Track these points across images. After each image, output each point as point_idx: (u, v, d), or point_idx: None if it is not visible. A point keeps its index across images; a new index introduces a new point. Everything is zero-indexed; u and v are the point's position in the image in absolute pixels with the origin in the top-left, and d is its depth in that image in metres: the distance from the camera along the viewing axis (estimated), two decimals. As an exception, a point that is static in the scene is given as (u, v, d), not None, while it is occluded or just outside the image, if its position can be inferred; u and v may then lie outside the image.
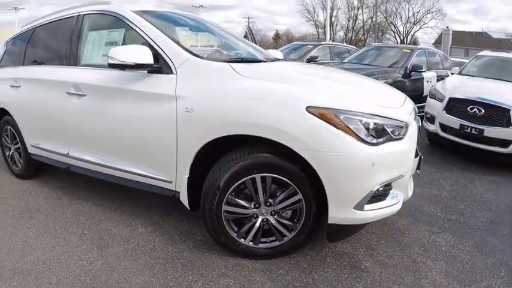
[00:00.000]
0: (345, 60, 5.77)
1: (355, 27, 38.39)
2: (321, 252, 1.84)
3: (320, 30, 38.33)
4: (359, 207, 1.52)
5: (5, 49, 3.26)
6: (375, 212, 1.58)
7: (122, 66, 1.76)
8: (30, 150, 2.78)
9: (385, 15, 34.82)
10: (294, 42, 9.03)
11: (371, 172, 1.46)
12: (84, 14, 2.36)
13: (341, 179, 1.45)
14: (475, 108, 3.28)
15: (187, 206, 1.80)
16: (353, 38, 37.93)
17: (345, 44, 9.35)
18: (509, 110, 3.13)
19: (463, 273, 1.70)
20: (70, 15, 2.48)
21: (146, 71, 1.80)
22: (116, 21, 2.12)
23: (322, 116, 1.41)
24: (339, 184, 1.45)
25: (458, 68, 4.86)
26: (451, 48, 19.28)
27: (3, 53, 3.25)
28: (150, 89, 1.80)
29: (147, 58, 1.74)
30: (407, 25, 36.55)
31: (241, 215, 1.68)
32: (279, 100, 1.49)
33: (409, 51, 5.14)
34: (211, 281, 1.63)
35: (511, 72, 4.10)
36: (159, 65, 1.78)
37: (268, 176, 1.57)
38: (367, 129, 1.45)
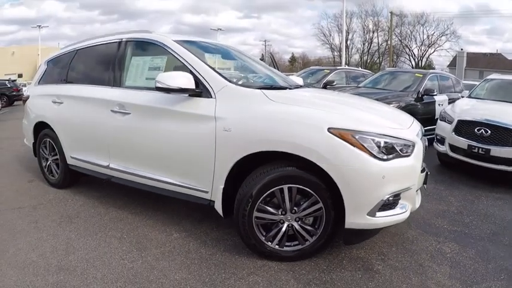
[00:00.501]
0: (360, 85, 6.20)
1: (370, 50, 39.50)
2: (337, 256, 2.15)
3: (336, 53, 39.98)
4: (372, 213, 1.84)
5: (45, 68, 3.71)
6: (385, 218, 1.90)
7: (168, 90, 2.13)
8: (69, 161, 3.16)
9: (400, 38, 35.78)
10: (311, 67, 9.55)
11: (382, 183, 1.80)
12: (127, 41, 2.78)
13: (356, 189, 1.78)
14: (482, 130, 3.60)
15: (221, 213, 2.14)
16: (368, 61, 38.96)
17: (360, 69, 9.87)
18: None
19: (465, 275, 1.98)
20: (113, 41, 2.91)
21: (188, 95, 2.19)
22: (158, 48, 2.53)
23: (341, 136, 1.78)
24: (355, 193, 1.79)
25: (468, 91, 5.21)
26: (465, 70, 19.71)
27: (43, 70, 3.70)
28: (192, 110, 2.17)
29: (190, 84, 2.13)
30: (422, 48, 37.50)
31: (269, 220, 2.01)
32: (304, 122, 1.86)
33: (421, 75, 5.55)
34: (241, 278, 1.93)
35: None
36: (200, 90, 2.17)
37: (294, 187, 1.91)
38: (379, 147, 1.80)
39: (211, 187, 2.14)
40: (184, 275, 1.97)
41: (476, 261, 2.13)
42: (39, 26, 31.97)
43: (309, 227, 2.01)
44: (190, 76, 2.15)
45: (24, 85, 20.17)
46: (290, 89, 2.44)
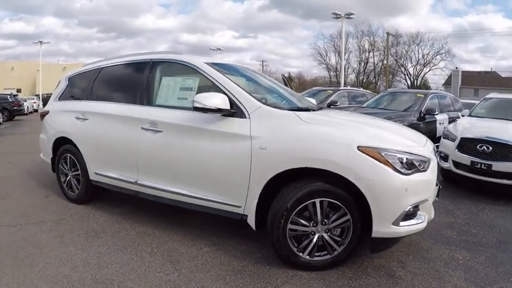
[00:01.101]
0: (363, 105, 6.66)
1: (366, 70, 41.25)
2: (361, 265, 2.42)
3: (332, 73, 42.11)
4: (396, 223, 2.14)
5: (66, 84, 3.92)
6: (407, 227, 2.20)
7: (205, 110, 2.40)
8: (92, 177, 3.35)
9: (395, 57, 37.44)
10: (314, 88, 10.09)
11: (405, 195, 2.11)
12: (156, 61, 3.03)
13: (383, 201, 2.09)
14: (484, 146, 4.02)
15: (254, 227, 2.39)
16: (364, 80, 40.50)
17: (361, 89, 10.41)
18: None
19: (478, 279, 2.28)
20: (140, 61, 3.17)
21: (221, 114, 2.46)
22: (187, 69, 2.82)
23: (369, 153, 2.09)
24: (382, 204, 2.09)
25: (468, 110, 5.70)
26: (460, 88, 20.81)
27: (64, 86, 3.92)
28: (227, 129, 2.44)
29: (225, 104, 2.41)
30: (418, 67, 39.40)
31: (301, 232, 2.28)
32: (337, 142, 2.17)
33: (423, 95, 6.07)
34: (277, 287, 2.17)
35: None
36: (234, 110, 2.45)
37: (325, 200, 2.20)
38: (401, 162, 2.13)
39: (244, 202, 2.40)
40: (222, 286, 2.18)
41: (486, 266, 2.44)
42: (41, 42, 32.53)
43: (337, 238, 2.29)
44: (225, 97, 2.44)
45: (25, 100, 20.31)
46: (314, 110, 2.77)
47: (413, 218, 2.23)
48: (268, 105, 2.51)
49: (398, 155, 2.13)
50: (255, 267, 2.40)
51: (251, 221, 2.39)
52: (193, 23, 68.48)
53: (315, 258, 2.30)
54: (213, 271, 2.35)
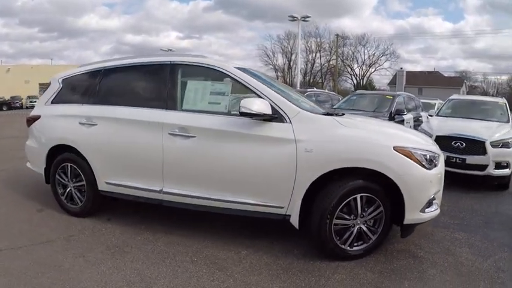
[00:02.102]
0: (335, 106, 7.34)
1: (312, 71, 43.97)
2: (387, 251, 2.90)
3: (279, 73, 44.22)
4: (423, 210, 2.67)
5: (60, 86, 3.75)
6: (429, 214, 2.74)
7: (251, 115, 2.61)
8: (102, 187, 3.28)
9: (342, 58, 40.59)
10: None
11: (430, 186, 2.65)
12: (179, 64, 3.10)
13: (414, 192, 2.59)
14: (458, 143, 4.94)
15: (297, 226, 2.70)
16: (311, 80, 43.07)
17: (326, 91, 11.24)
18: (484, 142, 4.83)
19: (481, 252, 2.95)
20: (158, 62, 3.21)
21: (263, 119, 2.69)
22: (215, 74, 2.97)
23: (402, 152, 2.58)
24: (413, 195, 2.59)
25: (434, 110, 6.77)
26: (405, 87, 23.49)
27: (58, 89, 3.73)
28: (269, 134, 2.67)
29: (268, 109, 2.65)
30: (363, 67, 43.17)
31: (343, 225, 2.67)
32: (376, 143, 2.62)
33: (391, 97, 6.99)
34: (329, 278, 2.51)
35: (477, 111, 6.14)
36: (276, 115, 2.71)
37: (364, 195, 2.63)
38: (426, 159, 2.66)
39: (287, 203, 2.69)
40: (282, 284, 2.41)
41: (484, 242, 3.15)
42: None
43: (371, 228, 2.73)
44: (267, 102, 2.69)
45: None
46: (338, 115, 3.18)
47: (432, 206, 2.79)
48: (308, 111, 2.83)
49: (423, 153, 2.67)
50: (300, 263, 2.70)
51: (294, 220, 2.70)
52: (137, 24, 70.04)
53: (354, 248, 2.72)
54: (264, 272, 2.57)
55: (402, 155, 2.57)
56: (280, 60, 45.61)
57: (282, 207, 2.73)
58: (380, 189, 2.63)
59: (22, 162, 5.07)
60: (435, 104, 11.15)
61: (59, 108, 3.62)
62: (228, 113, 2.91)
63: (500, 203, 4.49)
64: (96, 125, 3.30)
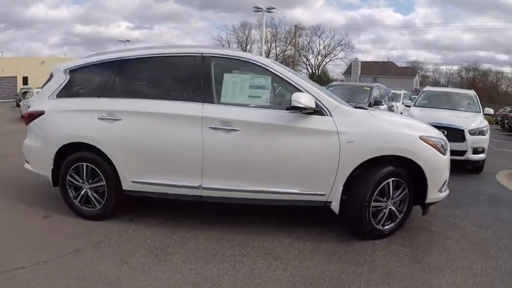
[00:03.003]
0: None
1: None
2: (408, 229, 3.42)
3: None
4: (440, 190, 3.25)
5: (67, 77, 3.52)
6: (443, 193, 3.34)
7: (301, 109, 2.89)
8: (127, 186, 3.24)
9: (297, 48, 41.77)
10: None
11: (446, 169, 3.25)
12: (210, 56, 3.22)
13: (435, 175, 3.15)
14: (440, 131, 5.64)
15: (337, 211, 3.10)
16: None
17: None
18: (464, 130, 5.72)
19: (482, 224, 3.66)
20: (187, 54, 3.29)
21: (306, 113, 2.98)
22: (251, 67, 3.18)
23: (426, 141, 3.12)
24: (434, 177, 3.15)
25: (400, 100, 7.61)
26: (360, 77, 25.05)
27: (65, 81, 3.50)
28: (313, 126, 3.00)
29: (313, 103, 2.95)
30: (319, 57, 44.86)
31: (378, 208, 3.13)
32: (406, 133, 3.13)
33: (369, 88, 7.71)
34: (373, 255, 2.92)
35: (450, 102, 7.14)
36: (317, 109, 3.03)
37: (395, 180, 3.11)
38: (442, 146, 3.23)
39: (329, 190, 3.07)
40: (337, 265, 2.73)
41: (480, 217, 3.90)
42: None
43: (398, 208, 3.23)
44: (312, 97, 3.01)
45: None
46: (365, 108, 3.59)
47: (444, 186, 3.38)
48: (344, 104, 3.23)
49: (439, 141, 3.25)
50: (342, 245, 3.07)
51: (335, 206, 3.09)
52: (87, 14, 66.66)
53: (385, 227, 3.20)
54: (316, 256, 2.88)
55: (426, 144, 3.12)
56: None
57: (324, 195, 3.10)
58: (406, 173, 3.15)
59: (12, 161, 4.92)
60: (401, 94, 12.33)
61: (69, 102, 3.46)
62: (270, 106, 3.16)
63: (479, 183, 5.45)
64: (121, 119, 3.23)
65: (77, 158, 3.35)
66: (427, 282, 2.55)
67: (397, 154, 3.06)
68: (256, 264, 2.74)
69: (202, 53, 3.26)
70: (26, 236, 3.07)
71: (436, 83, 41.24)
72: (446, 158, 3.27)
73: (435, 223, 3.64)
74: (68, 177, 3.39)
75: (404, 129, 3.23)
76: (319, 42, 44.43)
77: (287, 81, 3.16)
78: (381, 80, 26.74)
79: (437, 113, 6.51)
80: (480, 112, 6.71)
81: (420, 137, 3.13)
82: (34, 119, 3.56)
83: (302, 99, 2.91)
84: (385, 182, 3.08)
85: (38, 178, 3.85)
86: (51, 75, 3.66)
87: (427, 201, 3.22)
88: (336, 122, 3.05)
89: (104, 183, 3.31)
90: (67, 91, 3.51)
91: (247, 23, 46.07)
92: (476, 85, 32.98)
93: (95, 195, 3.37)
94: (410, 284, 2.51)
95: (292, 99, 2.92)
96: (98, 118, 3.26)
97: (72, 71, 3.56)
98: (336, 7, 67.17)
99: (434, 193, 3.22)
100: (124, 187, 3.27)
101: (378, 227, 3.15)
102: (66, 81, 3.52)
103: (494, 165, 6.67)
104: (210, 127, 3.05)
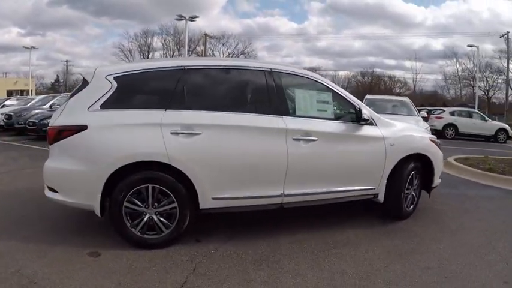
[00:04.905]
0: None
1: None
2: (422, 209, 4.53)
3: None
4: (439, 177, 4.64)
5: (113, 85, 3.18)
6: (440, 180, 4.71)
7: (366, 121, 3.76)
8: (206, 204, 3.20)
9: (201, 55, 42.58)
10: None
11: (442, 161, 4.67)
12: (279, 72, 3.61)
13: (438, 165, 4.38)
14: None
15: (382, 200, 4.05)
16: None
17: None
18: None
19: (475, 210, 4.92)
20: (256, 68, 3.63)
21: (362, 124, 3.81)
22: (314, 84, 3.79)
23: (433, 141, 4.35)
24: (437, 167, 4.38)
25: None
26: None
27: (111, 90, 3.17)
28: (369, 134, 3.83)
29: (369, 116, 3.85)
30: None
31: (407, 194, 4.18)
32: (422, 136, 4.30)
33: None
34: (417, 232, 3.87)
35: (390, 108, 8.85)
36: (370, 120, 3.86)
37: (415, 172, 4.24)
38: (439, 145, 4.49)
39: (378, 184, 3.95)
40: (398, 241, 3.53)
41: (461, 196, 5.46)
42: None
43: (415, 193, 4.41)
44: (368, 110, 3.93)
45: None
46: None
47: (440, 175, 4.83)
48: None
49: (437, 141, 4.54)
50: (388, 228, 3.92)
51: (381, 196, 4.00)
52: None
53: (410, 209, 4.31)
54: (382, 239, 3.62)
55: (433, 143, 4.42)
56: (138, 58, 46.60)
57: (374, 188, 3.99)
58: (420, 166, 4.40)
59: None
60: None
61: (121, 115, 3.16)
62: (334, 118, 3.85)
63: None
64: (200, 134, 3.18)
65: (140, 180, 3.09)
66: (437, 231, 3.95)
67: (419, 152, 4.19)
68: (349, 255, 3.26)
69: (271, 69, 3.62)
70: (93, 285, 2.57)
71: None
72: (442, 153, 4.73)
73: (438, 203, 4.95)
74: (126, 204, 3.08)
75: (420, 133, 4.45)
76: (223, 51, 46.40)
77: (344, 97, 3.96)
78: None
79: (388, 117, 8.27)
80: (418, 116, 8.76)
81: (430, 139, 4.44)
82: (69, 135, 3.10)
83: (367, 113, 3.83)
84: (412, 174, 4.23)
85: (50, 207, 3.75)
86: (85, 82, 3.29)
87: (433, 185, 4.49)
88: (381, 130, 3.99)
89: (175, 204, 3.14)
90: (115, 102, 3.18)
91: (149, 31, 46.45)
92: (372, 88, 39.00)
93: (162, 219, 3.17)
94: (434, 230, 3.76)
95: (362, 113, 3.78)
96: (171, 133, 3.12)
97: (119, 78, 3.24)
98: (232, 15, 70.89)
99: (437, 180, 4.49)
100: (202, 206, 3.22)
101: (407, 209, 4.27)
102: (113, 89, 3.18)
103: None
104: (293, 138, 3.45)
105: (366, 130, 3.93)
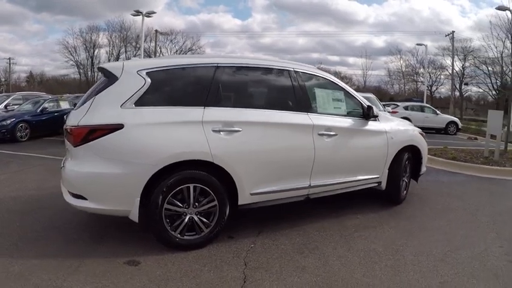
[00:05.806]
0: None
1: None
2: (420, 194, 5.35)
3: (81, 70, 43.82)
4: (425, 166, 5.32)
5: (147, 81, 3.09)
6: (425, 168, 5.47)
7: (376, 117, 4.34)
8: (245, 200, 3.31)
9: (148, 52, 41.61)
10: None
11: (427, 151, 5.42)
12: (301, 72, 3.92)
13: (425, 154, 5.14)
14: None
15: (384, 187, 4.62)
16: None
17: None
18: None
19: (453, 193, 5.97)
20: (280, 68, 3.83)
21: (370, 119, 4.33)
22: (327, 83, 4.19)
23: (421, 134, 5.07)
24: (424, 156, 5.11)
25: None
26: None
27: (144, 86, 3.07)
28: (375, 128, 4.36)
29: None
30: None
31: (403, 181, 4.89)
32: (413, 130, 4.97)
33: None
34: (416, 216, 4.55)
35: None
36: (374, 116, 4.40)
37: (408, 161, 4.89)
38: (424, 137, 5.25)
39: (381, 173, 4.51)
40: (405, 222, 4.17)
41: (447, 178, 6.38)
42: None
43: (407, 180, 5.14)
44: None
45: None
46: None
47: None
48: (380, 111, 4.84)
49: (423, 134, 5.27)
50: (392, 213, 4.53)
51: (383, 184, 4.57)
52: None
53: (404, 193, 5.03)
54: (391, 222, 4.21)
55: (421, 136, 5.13)
56: (83, 55, 46.13)
57: (378, 177, 4.54)
58: (411, 156, 5.04)
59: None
60: None
61: (158, 112, 3.09)
62: (347, 115, 4.30)
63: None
64: (240, 131, 3.26)
65: (182, 180, 3.04)
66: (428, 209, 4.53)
67: (412, 144, 4.86)
68: (379, 242, 3.70)
69: (294, 68, 3.92)
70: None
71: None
72: (427, 144, 5.45)
73: (433, 187, 5.85)
74: (166, 205, 3.02)
75: (411, 127, 5.11)
76: (170, 48, 45.64)
77: (353, 95, 4.43)
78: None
79: None
80: (385, 111, 9.68)
81: (419, 132, 5.15)
82: (102, 135, 2.93)
83: (376, 110, 4.37)
84: (406, 163, 4.87)
85: (44, 216, 3.85)
86: (112, 77, 3.13)
87: (421, 173, 5.21)
88: (383, 124, 4.56)
89: (215, 202, 3.18)
90: (150, 99, 3.09)
91: (94, 27, 44.88)
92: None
93: (202, 219, 3.18)
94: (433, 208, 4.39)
95: (374, 110, 4.31)
96: (213, 130, 3.13)
97: (153, 74, 3.16)
98: (176, 12, 69.84)
99: (424, 167, 5.22)
100: (240, 202, 3.29)
101: (403, 194, 4.94)
102: (147, 86, 3.10)
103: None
104: (318, 133, 3.82)
105: (373, 125, 4.49)
